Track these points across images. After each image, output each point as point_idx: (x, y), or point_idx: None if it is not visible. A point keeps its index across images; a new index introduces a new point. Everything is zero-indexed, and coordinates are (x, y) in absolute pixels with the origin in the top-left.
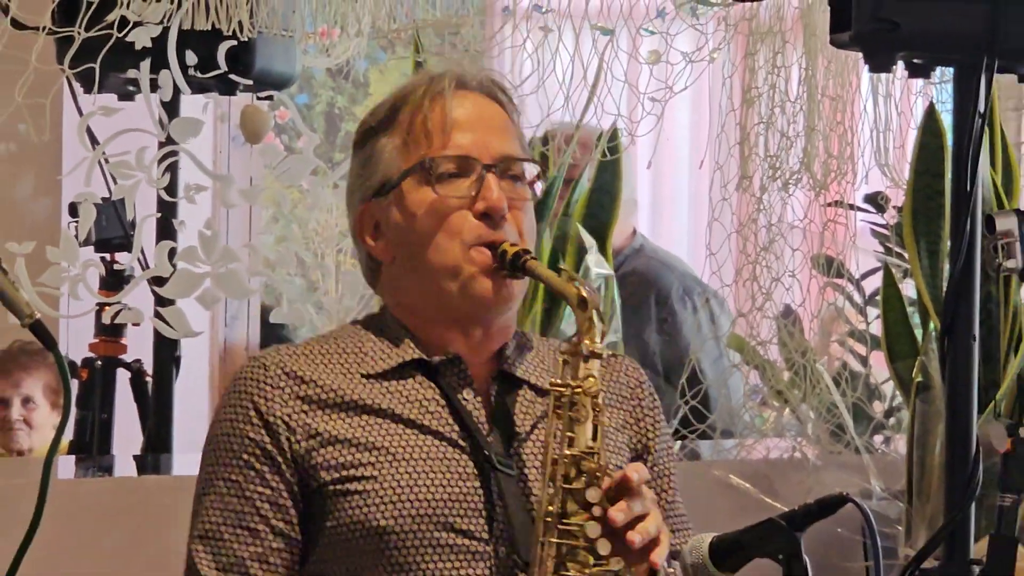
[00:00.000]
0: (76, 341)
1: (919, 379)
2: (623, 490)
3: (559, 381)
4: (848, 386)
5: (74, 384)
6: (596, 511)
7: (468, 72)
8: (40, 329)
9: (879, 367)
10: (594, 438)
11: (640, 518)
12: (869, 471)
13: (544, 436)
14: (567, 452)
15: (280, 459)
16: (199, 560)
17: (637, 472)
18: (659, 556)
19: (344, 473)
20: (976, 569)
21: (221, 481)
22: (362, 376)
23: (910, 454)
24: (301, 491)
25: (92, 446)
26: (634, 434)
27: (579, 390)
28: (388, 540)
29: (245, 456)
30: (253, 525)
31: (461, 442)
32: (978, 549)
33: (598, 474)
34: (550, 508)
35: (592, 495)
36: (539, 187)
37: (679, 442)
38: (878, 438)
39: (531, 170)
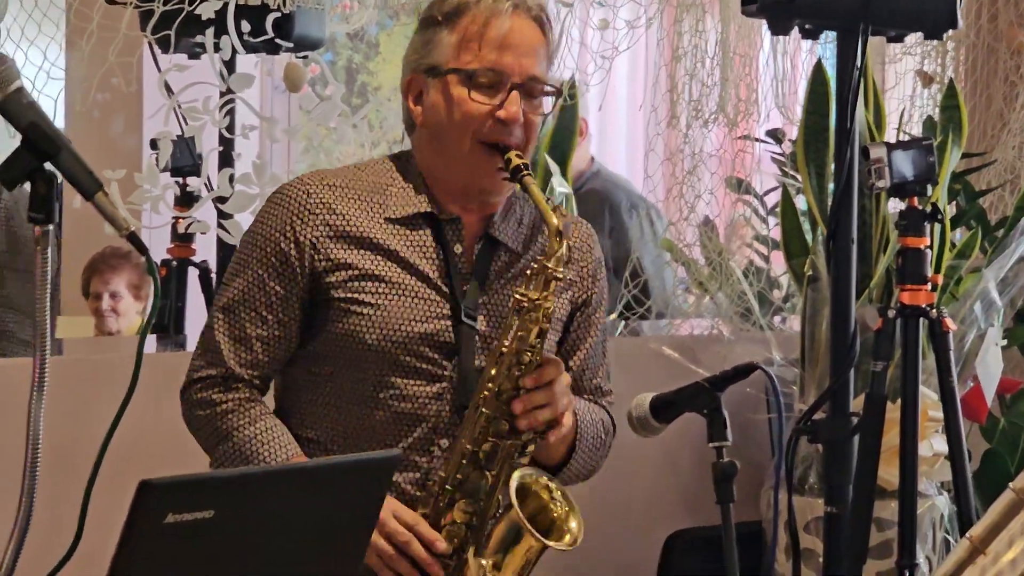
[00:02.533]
0: (157, 246)
1: (809, 273)
2: (542, 379)
3: (523, 292)
4: (754, 278)
5: None
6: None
7: None
8: (135, 238)
9: (778, 263)
10: (538, 338)
11: (541, 407)
12: (771, 344)
13: (506, 305)
14: (515, 346)
15: (299, 271)
16: (218, 327)
17: (556, 368)
18: (554, 435)
19: (352, 295)
20: (854, 420)
21: (249, 271)
22: (383, 219)
23: (803, 331)
24: (309, 300)
25: (170, 327)
26: (579, 290)
27: (537, 302)
28: (369, 355)
29: (272, 259)
30: (264, 313)
31: (444, 288)
32: (856, 404)
33: (533, 366)
34: (490, 386)
35: (525, 382)
36: (549, 104)
37: (623, 322)
38: (777, 318)
39: (547, 90)
